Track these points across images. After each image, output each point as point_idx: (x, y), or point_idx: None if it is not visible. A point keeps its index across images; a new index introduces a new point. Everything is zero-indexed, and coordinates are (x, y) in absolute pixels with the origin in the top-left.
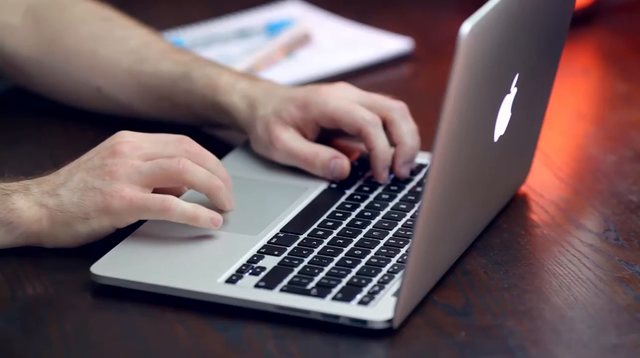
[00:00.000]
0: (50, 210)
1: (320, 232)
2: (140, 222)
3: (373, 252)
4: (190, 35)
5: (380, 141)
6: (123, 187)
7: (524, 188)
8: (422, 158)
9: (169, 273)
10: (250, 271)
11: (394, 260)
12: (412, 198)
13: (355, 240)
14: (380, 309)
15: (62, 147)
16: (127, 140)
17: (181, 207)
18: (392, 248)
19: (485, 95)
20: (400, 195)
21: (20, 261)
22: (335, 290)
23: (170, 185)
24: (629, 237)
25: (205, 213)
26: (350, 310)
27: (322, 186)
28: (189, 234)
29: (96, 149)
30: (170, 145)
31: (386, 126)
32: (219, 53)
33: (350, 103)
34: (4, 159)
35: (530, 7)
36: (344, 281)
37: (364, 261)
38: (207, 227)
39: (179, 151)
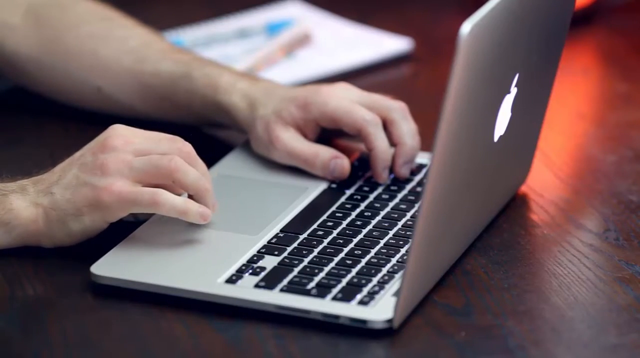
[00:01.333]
0: (45, 208)
1: (320, 232)
2: (140, 222)
3: (373, 252)
4: (190, 35)
5: (380, 141)
6: (113, 181)
7: (524, 188)
8: (422, 158)
9: (169, 273)
10: (250, 271)
11: (394, 260)
12: (412, 198)
13: (355, 240)
14: (380, 309)
15: (62, 147)
16: (119, 134)
17: (171, 200)
18: (392, 248)
19: (485, 95)
20: (400, 195)
21: (20, 261)
22: (335, 290)
23: (161, 182)
24: (629, 237)
25: (194, 207)
26: (350, 310)
27: (322, 186)
28: (189, 234)
29: (89, 144)
30: (163, 142)
31: (386, 126)
32: (219, 53)
33: (350, 103)
34: (4, 159)
35: (530, 7)
36: (344, 281)
37: (364, 261)
38: (195, 221)
39: (172, 149)
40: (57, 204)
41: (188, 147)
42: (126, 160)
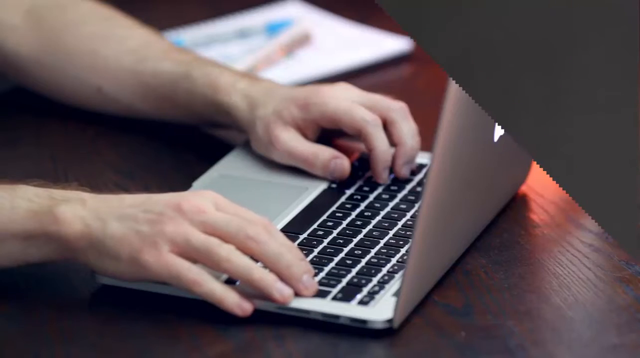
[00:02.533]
0: (92, 232)
1: (320, 232)
2: None
3: (373, 252)
4: (190, 35)
5: (380, 141)
6: (164, 245)
7: (524, 188)
8: (422, 158)
9: None
10: None
11: (394, 260)
12: (412, 198)
13: (355, 240)
14: (380, 309)
15: (62, 147)
16: (199, 200)
17: (210, 286)
18: (392, 248)
19: None
20: (400, 195)
21: None
22: (335, 290)
23: (207, 265)
24: None
25: (233, 299)
26: (350, 310)
27: (322, 186)
28: None
29: (171, 194)
30: (234, 223)
31: (386, 126)
32: (219, 53)
33: (350, 103)
34: (4, 159)
35: None
36: (344, 281)
37: (364, 261)
38: (232, 313)
39: (239, 234)
40: (103, 237)
41: (258, 235)
42: (187, 231)
